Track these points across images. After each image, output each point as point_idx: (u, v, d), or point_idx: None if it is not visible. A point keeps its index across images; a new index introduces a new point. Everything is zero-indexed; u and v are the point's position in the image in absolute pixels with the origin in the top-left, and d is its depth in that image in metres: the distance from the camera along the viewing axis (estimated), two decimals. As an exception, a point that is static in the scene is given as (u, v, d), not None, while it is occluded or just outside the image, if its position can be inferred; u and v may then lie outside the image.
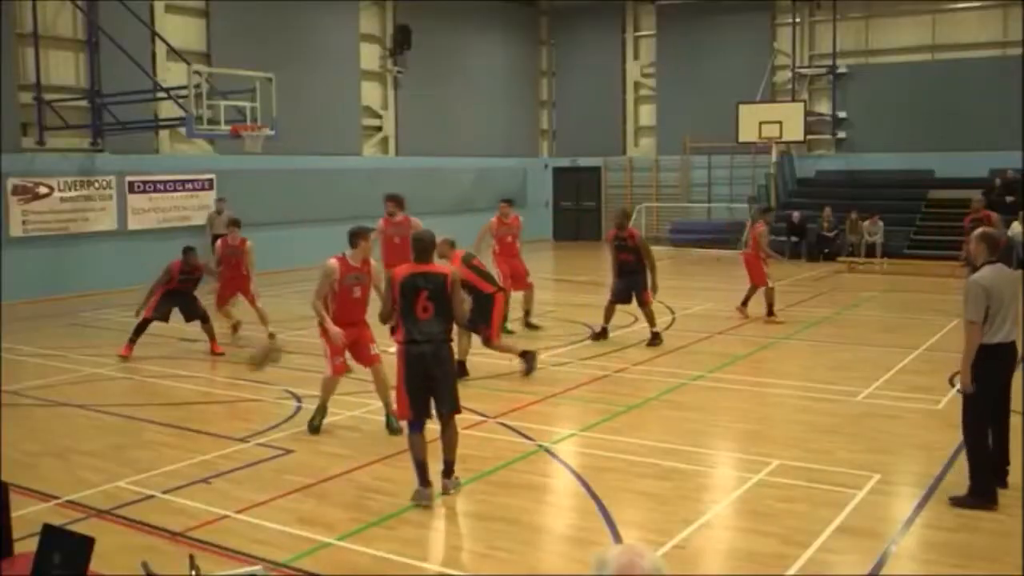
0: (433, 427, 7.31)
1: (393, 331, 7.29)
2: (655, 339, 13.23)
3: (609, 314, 13.72)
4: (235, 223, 14.25)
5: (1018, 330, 7.00)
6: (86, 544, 4.22)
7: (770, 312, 15.21)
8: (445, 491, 7.24)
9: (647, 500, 7.13)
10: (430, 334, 7.07)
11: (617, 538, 6.34)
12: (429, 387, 7.13)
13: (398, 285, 7.08)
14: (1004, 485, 7.04)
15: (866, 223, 23.94)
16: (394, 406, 8.18)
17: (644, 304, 13.46)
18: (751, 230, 15.57)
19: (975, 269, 7.14)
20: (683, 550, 6.18)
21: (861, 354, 12.56)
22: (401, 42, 26.67)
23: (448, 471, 7.30)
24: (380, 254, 12.62)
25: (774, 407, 10.02)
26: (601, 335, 13.66)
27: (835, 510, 6.73)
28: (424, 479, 7.10)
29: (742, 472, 7.77)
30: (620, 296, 13.62)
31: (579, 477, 7.66)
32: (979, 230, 7.29)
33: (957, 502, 6.85)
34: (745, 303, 15.55)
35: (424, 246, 7.22)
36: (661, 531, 6.46)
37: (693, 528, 6.53)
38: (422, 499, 7.04)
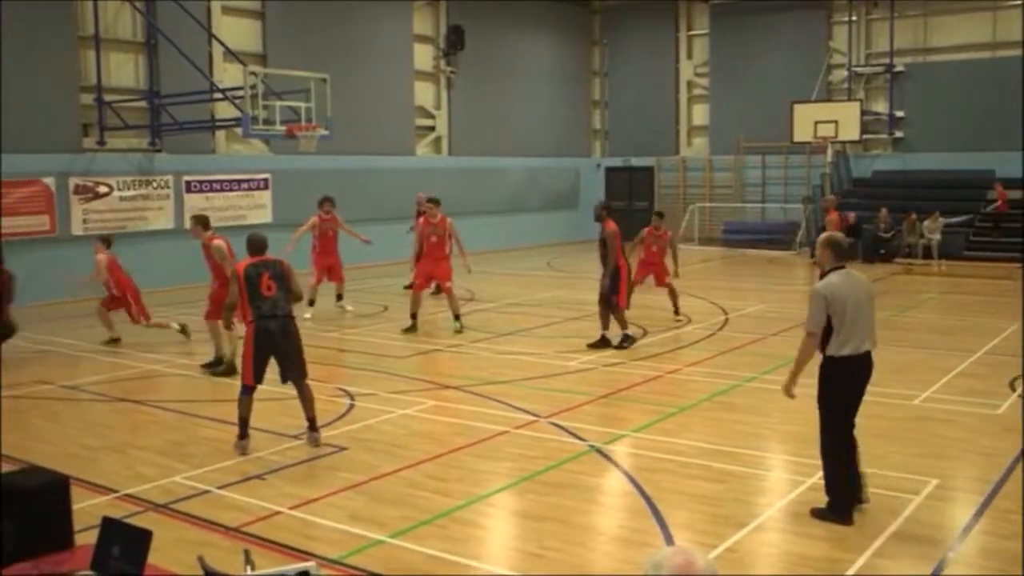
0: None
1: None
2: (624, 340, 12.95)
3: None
4: (105, 240, 14.18)
5: (872, 342, 6.67)
6: (144, 537, 4.28)
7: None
8: (316, 444, 8.47)
9: (698, 502, 7.09)
10: (276, 309, 8.38)
11: (669, 540, 6.31)
12: (275, 357, 8.44)
13: (241, 275, 8.41)
14: (864, 499, 6.71)
15: (926, 222, 23.58)
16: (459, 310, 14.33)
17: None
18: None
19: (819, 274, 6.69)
20: (735, 553, 6.13)
21: (917, 357, 12.37)
22: (454, 42, 26.78)
23: (312, 426, 8.56)
24: (314, 243, 16.06)
25: (828, 410, 9.88)
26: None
27: (891, 515, 6.64)
28: (244, 432, 8.47)
29: (795, 475, 7.69)
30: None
31: (630, 478, 7.63)
32: (824, 234, 6.88)
33: (817, 513, 6.60)
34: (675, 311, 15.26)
35: (260, 243, 8.71)
36: (713, 534, 6.41)
37: (745, 531, 6.48)
38: (240, 449, 8.39)
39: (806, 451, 8.26)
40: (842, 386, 6.59)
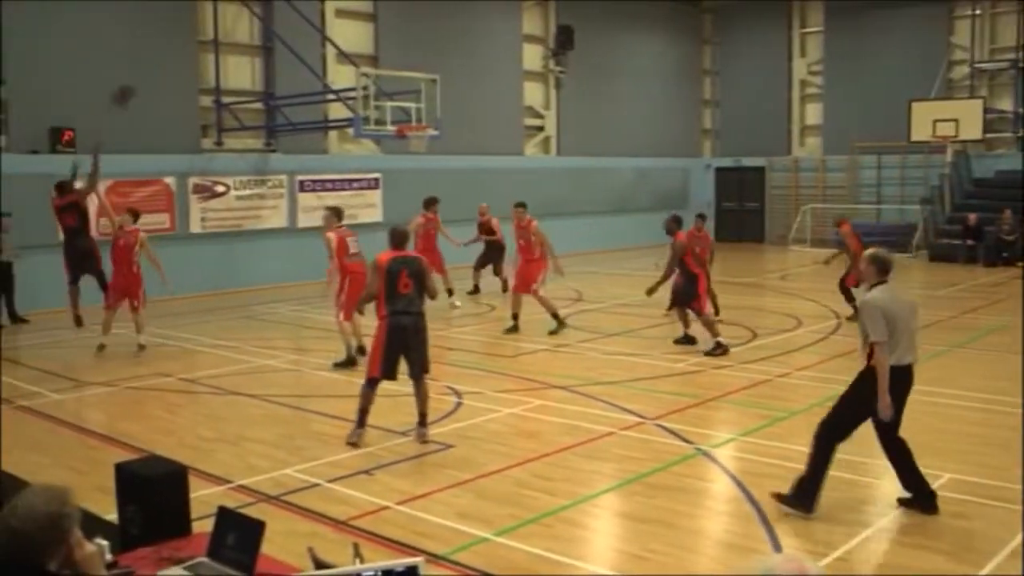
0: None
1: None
2: (716, 348, 12.63)
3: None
4: (134, 213, 13.81)
5: (914, 355, 6.80)
6: (258, 527, 4.39)
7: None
8: (423, 440, 8.63)
9: (808, 509, 6.94)
10: (410, 307, 8.56)
11: (776, 546, 6.20)
12: (404, 353, 8.60)
13: (384, 268, 8.53)
14: (935, 509, 6.77)
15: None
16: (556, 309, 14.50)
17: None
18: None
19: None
20: (845, 562, 5.99)
21: (1042, 365, 11.86)
22: (563, 42, 26.79)
23: (422, 422, 8.75)
24: (416, 241, 16.23)
25: (946, 418, 9.57)
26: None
27: (1012, 530, 6.39)
28: (362, 423, 8.66)
29: (910, 484, 7.46)
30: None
31: (737, 482, 7.52)
32: (869, 251, 7.01)
33: (782, 499, 6.82)
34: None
35: (403, 237, 8.87)
36: (823, 542, 6.28)
37: (857, 540, 6.32)
38: (354, 438, 8.62)
39: (922, 460, 8.00)
40: (874, 393, 6.65)
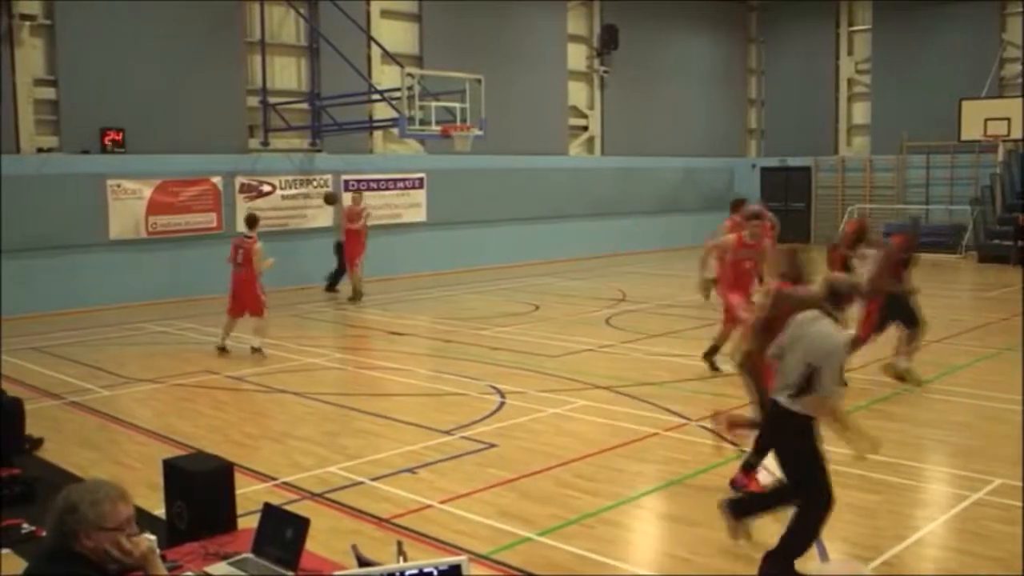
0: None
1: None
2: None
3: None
4: (249, 221, 14.06)
5: None
6: (302, 524, 4.44)
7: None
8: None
9: (854, 512, 6.85)
10: None
11: (822, 550, 6.13)
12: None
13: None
14: None
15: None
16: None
17: None
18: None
19: None
20: (892, 567, 5.91)
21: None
22: (608, 42, 26.71)
23: None
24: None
25: (996, 422, 9.43)
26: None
27: (1066, 537, 6.27)
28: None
29: (959, 489, 7.36)
30: None
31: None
32: None
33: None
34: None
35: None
36: (870, 546, 6.20)
37: (904, 545, 6.24)
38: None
39: (971, 464, 7.92)
40: None
